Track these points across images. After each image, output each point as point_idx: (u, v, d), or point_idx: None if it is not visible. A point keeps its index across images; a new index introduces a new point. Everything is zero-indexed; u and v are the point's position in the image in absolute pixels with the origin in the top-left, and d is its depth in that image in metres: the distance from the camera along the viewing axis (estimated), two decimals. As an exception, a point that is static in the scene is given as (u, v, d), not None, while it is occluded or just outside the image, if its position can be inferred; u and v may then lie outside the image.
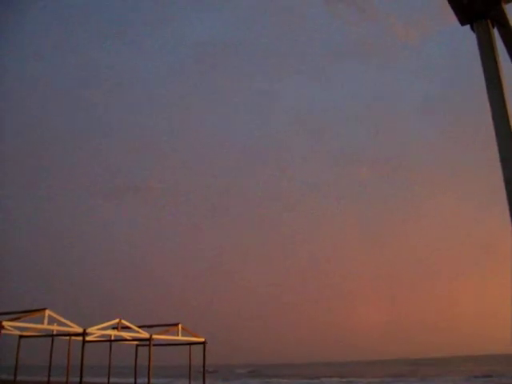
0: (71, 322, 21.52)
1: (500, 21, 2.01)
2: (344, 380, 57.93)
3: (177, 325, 23.92)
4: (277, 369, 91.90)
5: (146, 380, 22.58)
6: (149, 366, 22.90)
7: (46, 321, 21.01)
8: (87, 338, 21.63)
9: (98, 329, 22.22)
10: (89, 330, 21.59)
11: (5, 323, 19.44)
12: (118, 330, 23.00)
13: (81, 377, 20.59)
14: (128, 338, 24.65)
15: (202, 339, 25.38)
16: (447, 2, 2.04)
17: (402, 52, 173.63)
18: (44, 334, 23.83)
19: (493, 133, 1.82)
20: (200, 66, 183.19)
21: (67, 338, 23.99)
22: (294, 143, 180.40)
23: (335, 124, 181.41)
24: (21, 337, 23.56)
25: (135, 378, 25.54)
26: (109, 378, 26.75)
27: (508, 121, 1.78)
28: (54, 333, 23.22)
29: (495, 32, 2.00)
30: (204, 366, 25.55)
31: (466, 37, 2.08)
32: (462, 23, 2.04)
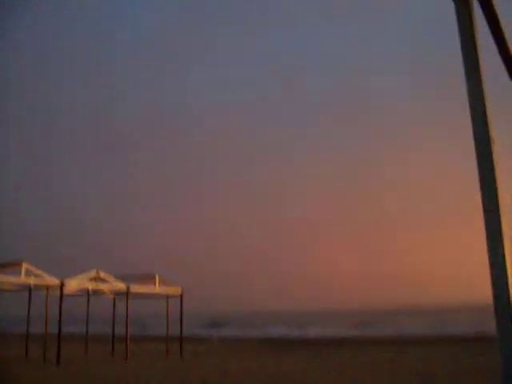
0: (49, 274, 21.88)
1: None
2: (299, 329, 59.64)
3: (153, 276, 24.48)
4: (239, 319, 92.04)
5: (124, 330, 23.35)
6: (126, 317, 23.56)
7: (23, 273, 21.23)
8: (65, 291, 22.02)
9: (76, 280, 22.58)
10: (66, 282, 21.92)
11: (-20, 276, 19.64)
12: (95, 281, 23.41)
13: (59, 328, 21.07)
14: (105, 290, 25.14)
15: (179, 291, 26.06)
16: None
17: (381, 11, 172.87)
18: (21, 287, 24.06)
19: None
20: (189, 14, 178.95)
21: (45, 291, 24.29)
22: (269, 95, 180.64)
23: (308, 75, 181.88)
24: (-3, 290, 23.78)
25: (113, 329, 26.22)
26: (87, 330, 27.36)
27: (482, 93, 1.71)
28: (32, 286, 23.47)
29: (475, 4, 1.88)
30: (181, 318, 26.35)
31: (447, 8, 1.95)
32: None
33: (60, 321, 21.27)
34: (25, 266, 21.24)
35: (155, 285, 24.54)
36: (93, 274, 22.99)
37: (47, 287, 23.16)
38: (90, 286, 23.89)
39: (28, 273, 21.51)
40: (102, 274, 23.25)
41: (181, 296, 26.16)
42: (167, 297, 26.29)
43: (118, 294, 25.41)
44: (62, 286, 21.67)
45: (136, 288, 24.00)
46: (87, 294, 25.45)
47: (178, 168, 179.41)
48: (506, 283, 1.48)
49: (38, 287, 23.45)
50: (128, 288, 23.49)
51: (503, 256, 1.50)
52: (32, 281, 22.58)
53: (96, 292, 25.38)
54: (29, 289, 23.88)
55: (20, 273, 21.15)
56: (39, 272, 21.74)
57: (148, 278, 24.41)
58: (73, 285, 22.86)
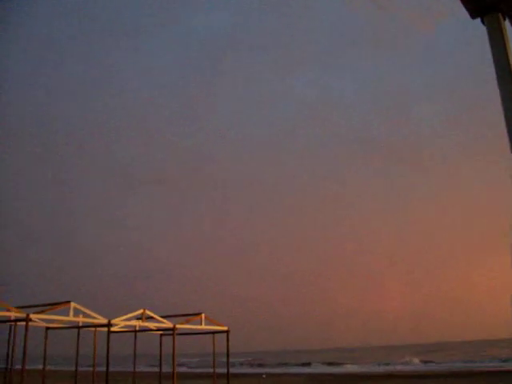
0: (96, 313, 21.91)
1: (511, 13, 1.95)
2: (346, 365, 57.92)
3: (199, 314, 24.08)
4: (277, 357, 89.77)
5: (171, 368, 22.92)
6: (173, 354, 23.15)
7: (71, 313, 21.36)
8: (112, 329, 21.96)
9: (123, 320, 22.49)
10: (113, 321, 21.87)
11: (32, 316, 19.85)
12: (142, 321, 23.25)
13: (107, 366, 20.90)
14: (152, 328, 24.93)
15: (225, 328, 25.53)
16: None
17: (416, 39, 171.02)
18: (70, 325, 24.23)
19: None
20: (211, 60, 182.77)
21: (93, 329, 24.40)
22: (306, 131, 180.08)
23: (347, 111, 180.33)
24: (47, 328, 24.01)
25: (160, 367, 25.91)
26: (134, 367, 27.17)
27: None
28: (80, 324, 23.59)
29: (507, 25, 1.92)
30: (228, 355, 25.74)
31: (478, 29, 2.00)
32: (473, 16, 1.96)
33: (108, 359, 21.11)
34: (73, 305, 21.35)
35: (201, 323, 24.12)
36: (139, 313, 22.85)
37: (95, 326, 23.24)
38: (137, 323, 23.75)
39: (76, 312, 21.65)
40: (149, 313, 23.08)
41: (227, 332, 25.61)
42: (214, 333, 25.80)
43: (164, 332, 25.16)
44: (109, 324, 21.62)
45: (182, 325, 23.65)
46: (134, 331, 25.31)
47: (215, 205, 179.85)
48: None
49: (86, 326, 23.57)
50: (174, 326, 23.15)
51: None
52: (80, 319, 22.73)
53: (143, 330, 25.22)
54: (77, 327, 23.99)
55: (69, 312, 21.29)
56: (87, 311, 21.81)
57: (194, 317, 24.04)
58: (120, 323, 22.78)
